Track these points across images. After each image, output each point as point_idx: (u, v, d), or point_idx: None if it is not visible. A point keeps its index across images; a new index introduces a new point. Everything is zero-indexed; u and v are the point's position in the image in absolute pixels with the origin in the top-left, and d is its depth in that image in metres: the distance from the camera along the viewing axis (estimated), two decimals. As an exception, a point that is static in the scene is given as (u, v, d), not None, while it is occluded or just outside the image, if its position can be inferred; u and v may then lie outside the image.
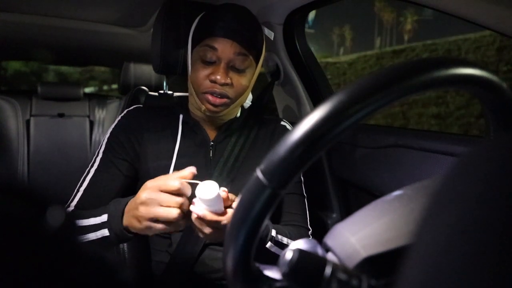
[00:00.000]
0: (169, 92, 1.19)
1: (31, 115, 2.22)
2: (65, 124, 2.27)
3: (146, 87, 1.39)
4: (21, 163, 2.14)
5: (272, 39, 1.07)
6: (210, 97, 0.80)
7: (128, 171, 0.84)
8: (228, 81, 0.79)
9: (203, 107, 0.82)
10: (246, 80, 0.83)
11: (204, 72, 0.80)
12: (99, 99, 2.41)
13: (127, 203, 0.66)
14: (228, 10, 0.80)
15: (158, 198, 0.59)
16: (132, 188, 0.87)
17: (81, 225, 0.70)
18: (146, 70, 2.00)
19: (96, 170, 0.82)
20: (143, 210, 0.60)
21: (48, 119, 2.24)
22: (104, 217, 0.69)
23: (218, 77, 0.78)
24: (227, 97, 0.81)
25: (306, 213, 0.91)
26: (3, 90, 2.59)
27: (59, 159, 2.20)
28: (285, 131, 0.96)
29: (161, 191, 0.60)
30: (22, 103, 2.21)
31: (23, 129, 2.18)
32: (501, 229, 0.16)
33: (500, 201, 0.16)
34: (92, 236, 0.68)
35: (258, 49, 0.82)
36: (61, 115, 2.27)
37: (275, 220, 0.89)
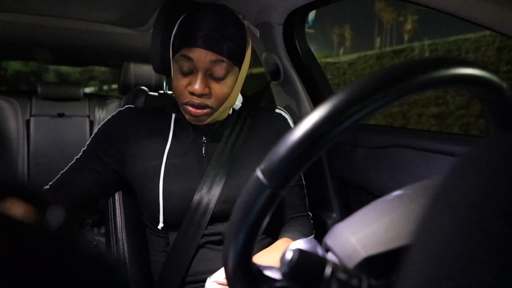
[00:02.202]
0: (169, 92, 1.19)
1: (31, 115, 2.22)
2: (65, 124, 2.28)
3: (146, 87, 1.39)
4: (21, 163, 2.15)
5: (258, 35, 1.07)
6: (190, 109, 0.79)
7: (107, 171, 0.87)
8: (206, 91, 0.77)
9: (187, 116, 0.83)
10: (227, 87, 0.80)
11: (182, 83, 0.78)
12: (99, 99, 2.42)
13: None
14: (205, 15, 0.77)
15: None
16: (109, 186, 0.91)
17: None
18: (146, 70, 2.00)
19: (77, 159, 0.88)
20: None
21: (48, 119, 2.25)
22: None
23: (196, 87, 0.76)
24: (208, 107, 0.79)
25: (306, 201, 0.95)
26: (3, 90, 2.60)
27: (59, 159, 2.20)
28: (281, 119, 0.96)
29: None
30: (22, 103, 2.21)
31: (23, 129, 2.18)
32: (501, 229, 0.16)
33: (500, 200, 0.16)
34: None
35: (238, 53, 0.79)
36: (61, 115, 2.28)
37: (279, 214, 0.92)
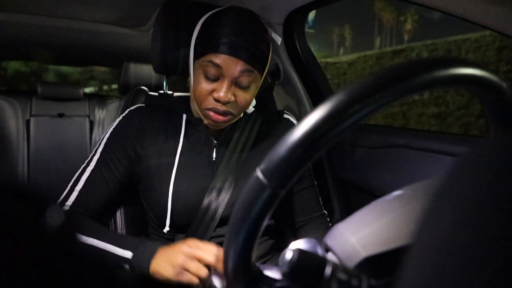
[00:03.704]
0: (169, 92, 1.19)
1: (31, 115, 2.22)
2: (65, 124, 2.28)
3: (146, 87, 1.39)
4: (21, 163, 2.15)
5: (279, 43, 1.06)
6: (212, 114, 0.78)
7: (124, 176, 0.83)
8: (232, 99, 0.77)
9: (205, 121, 0.82)
10: (250, 95, 0.80)
11: (206, 88, 0.77)
12: (99, 99, 2.41)
13: (157, 248, 0.71)
14: (232, 20, 0.75)
15: (196, 255, 0.67)
16: (129, 192, 0.87)
17: (94, 245, 0.74)
18: (146, 70, 2.00)
19: (92, 171, 0.81)
20: (181, 260, 0.67)
21: (48, 119, 2.24)
22: (127, 253, 0.72)
23: (222, 94, 0.75)
24: (231, 114, 0.79)
25: (319, 199, 0.96)
26: (3, 90, 2.59)
27: (59, 159, 2.20)
28: (289, 124, 0.96)
29: (197, 257, 0.67)
30: (22, 103, 2.21)
31: (23, 129, 2.18)
32: (501, 229, 0.16)
33: (499, 200, 0.16)
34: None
35: (264, 61, 0.79)
36: (61, 115, 2.27)
37: (297, 216, 0.93)
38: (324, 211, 0.96)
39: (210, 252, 0.67)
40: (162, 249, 0.72)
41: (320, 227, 0.91)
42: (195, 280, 0.66)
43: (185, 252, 0.67)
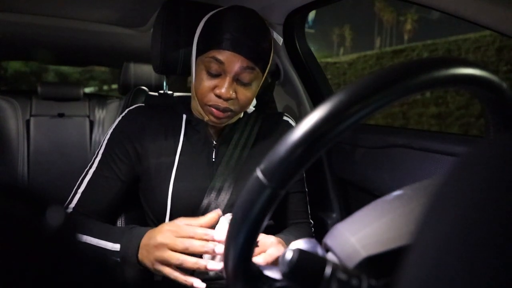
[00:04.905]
0: (169, 92, 1.19)
1: (31, 115, 2.22)
2: (65, 124, 2.28)
3: (146, 87, 1.39)
4: (21, 163, 2.15)
5: (281, 44, 1.05)
6: (214, 111, 0.79)
7: (126, 175, 0.83)
8: (233, 95, 0.77)
9: (206, 117, 0.83)
10: (251, 92, 0.81)
11: (208, 84, 0.78)
12: (99, 99, 2.41)
13: (142, 236, 0.70)
14: (236, 18, 0.77)
15: (170, 243, 0.65)
16: (129, 192, 0.87)
17: (88, 242, 0.74)
18: (146, 70, 2.00)
19: (94, 172, 0.82)
20: (156, 254, 0.66)
21: (48, 119, 2.24)
22: (116, 246, 0.72)
23: (223, 91, 0.76)
24: (231, 111, 0.80)
25: (307, 208, 0.96)
26: (3, 90, 2.60)
27: (59, 159, 2.20)
28: (288, 126, 0.96)
29: (177, 236, 0.65)
30: (22, 103, 2.21)
31: (23, 129, 2.18)
32: (501, 229, 0.16)
33: (499, 201, 0.16)
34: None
35: (265, 59, 0.80)
36: (61, 115, 2.27)
37: (281, 219, 0.92)
38: (311, 220, 0.95)
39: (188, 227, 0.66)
40: (145, 238, 0.70)
41: (299, 233, 0.89)
42: (177, 276, 0.66)
43: (157, 244, 0.66)
